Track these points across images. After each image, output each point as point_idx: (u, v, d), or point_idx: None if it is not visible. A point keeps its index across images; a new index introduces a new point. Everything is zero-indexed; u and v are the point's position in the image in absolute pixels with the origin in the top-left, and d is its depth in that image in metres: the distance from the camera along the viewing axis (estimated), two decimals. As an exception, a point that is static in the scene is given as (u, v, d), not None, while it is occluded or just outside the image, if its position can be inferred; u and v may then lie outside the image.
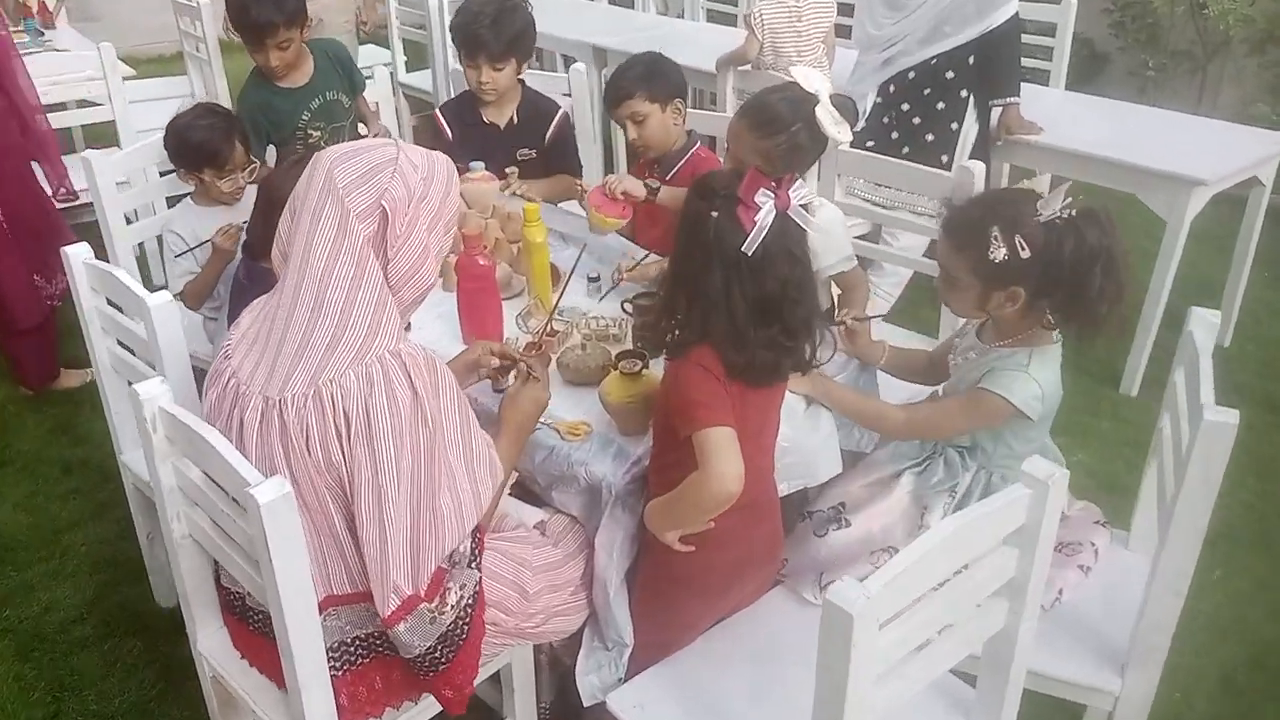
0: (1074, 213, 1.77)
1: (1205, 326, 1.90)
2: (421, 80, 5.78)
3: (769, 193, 1.63)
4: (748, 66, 4.00)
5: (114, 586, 2.80)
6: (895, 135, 3.68)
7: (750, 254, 1.62)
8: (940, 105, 3.59)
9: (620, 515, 1.87)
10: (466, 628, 1.68)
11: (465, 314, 2.29)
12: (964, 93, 3.58)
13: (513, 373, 1.96)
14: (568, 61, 5.49)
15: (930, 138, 3.62)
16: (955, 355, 2.08)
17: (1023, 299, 1.84)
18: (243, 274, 2.51)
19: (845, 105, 2.22)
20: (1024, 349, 1.91)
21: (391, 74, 5.94)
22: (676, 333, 1.74)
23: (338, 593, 1.67)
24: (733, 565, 1.85)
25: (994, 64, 3.55)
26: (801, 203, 1.67)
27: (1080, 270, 1.75)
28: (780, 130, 2.20)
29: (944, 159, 3.62)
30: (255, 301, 1.73)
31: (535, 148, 3.29)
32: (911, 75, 3.62)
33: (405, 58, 6.01)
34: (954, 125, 3.60)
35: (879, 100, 3.73)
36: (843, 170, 2.86)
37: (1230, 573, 2.78)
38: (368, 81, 3.66)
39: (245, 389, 1.60)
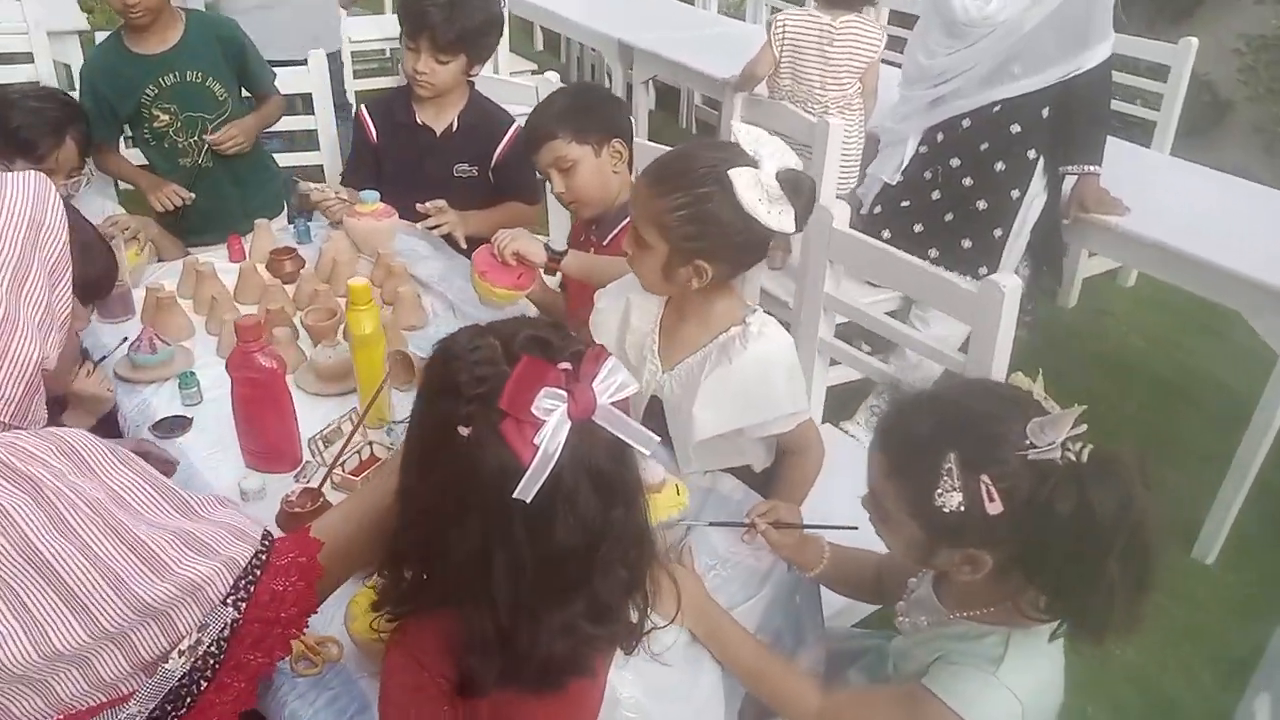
0: (1084, 455, 1.05)
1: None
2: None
3: (557, 394, 0.94)
4: (762, 90, 3.24)
5: None
6: (938, 196, 2.90)
7: (529, 500, 0.93)
8: (999, 166, 2.80)
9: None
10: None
11: (241, 429, 1.64)
12: (1032, 153, 2.79)
13: None
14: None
15: (982, 205, 2.84)
16: (907, 605, 1.36)
17: (989, 567, 1.13)
18: None
19: (799, 183, 1.49)
20: (998, 629, 1.20)
21: (392, 51, 5.36)
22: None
23: None
24: None
25: (1074, 120, 2.75)
26: (613, 398, 0.97)
27: (1083, 550, 1.04)
28: (680, 188, 1.49)
29: (997, 234, 2.85)
30: None
31: (478, 165, 2.67)
32: (966, 123, 2.84)
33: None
34: (1014, 193, 2.81)
35: (923, 149, 2.95)
36: (834, 257, 2.13)
37: None
38: (299, 70, 3.04)
39: None
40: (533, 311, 2.25)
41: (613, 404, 0.97)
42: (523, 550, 0.95)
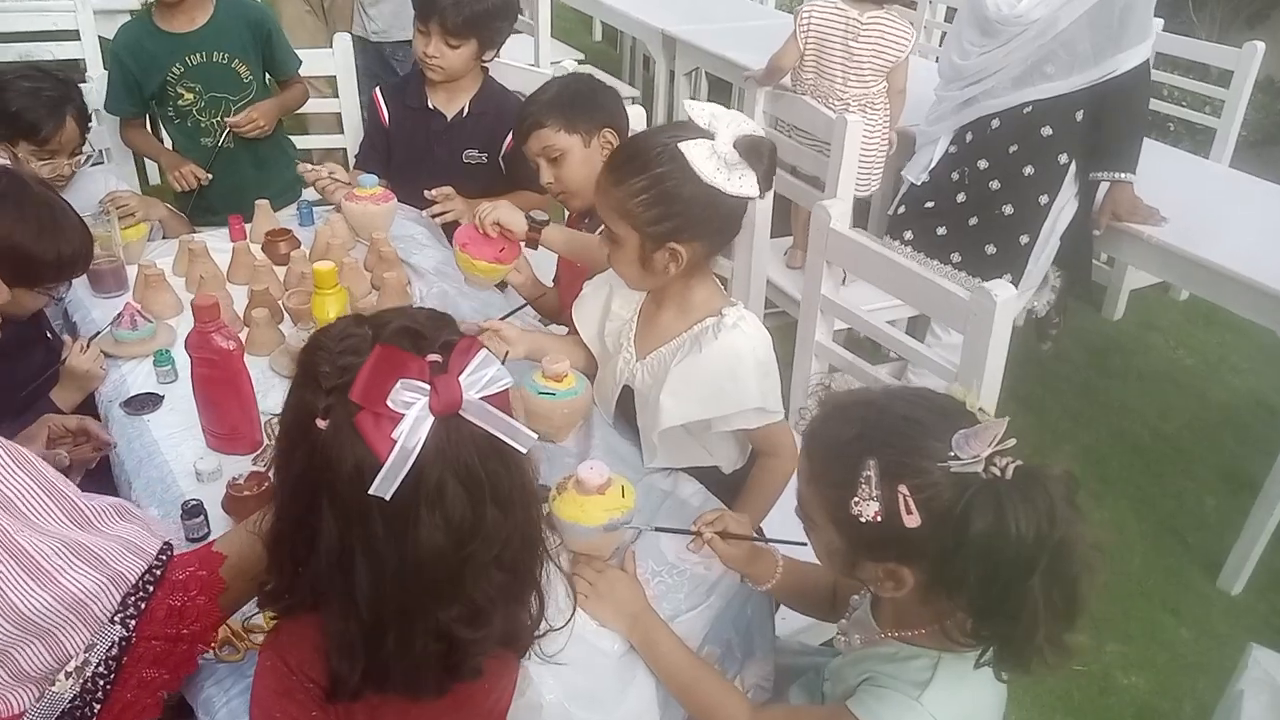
0: (1009, 471, 0.98)
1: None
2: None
3: (418, 387, 0.89)
4: (787, 83, 3.15)
5: None
6: (963, 199, 2.80)
7: (388, 499, 0.89)
8: (1029, 170, 2.69)
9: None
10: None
11: (201, 410, 1.63)
12: (1063, 157, 2.67)
13: None
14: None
15: (1009, 210, 2.73)
16: (847, 624, 1.30)
17: (910, 584, 1.07)
18: None
19: (758, 146, 1.45)
20: (928, 652, 1.13)
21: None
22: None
23: None
24: None
25: (1109, 124, 2.62)
26: (484, 392, 0.92)
27: (1000, 570, 0.98)
28: (636, 172, 1.48)
29: (1023, 240, 2.73)
30: None
31: (487, 152, 2.65)
32: (996, 124, 2.74)
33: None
34: (1043, 199, 2.70)
35: (952, 149, 2.85)
36: (832, 258, 2.05)
37: None
38: (323, 54, 3.05)
39: None
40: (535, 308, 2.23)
41: (486, 398, 0.92)
42: (383, 549, 0.91)
